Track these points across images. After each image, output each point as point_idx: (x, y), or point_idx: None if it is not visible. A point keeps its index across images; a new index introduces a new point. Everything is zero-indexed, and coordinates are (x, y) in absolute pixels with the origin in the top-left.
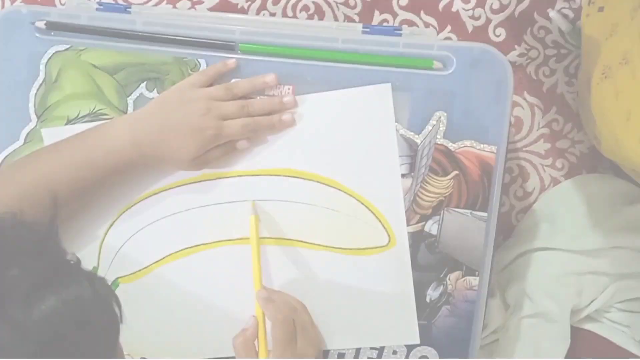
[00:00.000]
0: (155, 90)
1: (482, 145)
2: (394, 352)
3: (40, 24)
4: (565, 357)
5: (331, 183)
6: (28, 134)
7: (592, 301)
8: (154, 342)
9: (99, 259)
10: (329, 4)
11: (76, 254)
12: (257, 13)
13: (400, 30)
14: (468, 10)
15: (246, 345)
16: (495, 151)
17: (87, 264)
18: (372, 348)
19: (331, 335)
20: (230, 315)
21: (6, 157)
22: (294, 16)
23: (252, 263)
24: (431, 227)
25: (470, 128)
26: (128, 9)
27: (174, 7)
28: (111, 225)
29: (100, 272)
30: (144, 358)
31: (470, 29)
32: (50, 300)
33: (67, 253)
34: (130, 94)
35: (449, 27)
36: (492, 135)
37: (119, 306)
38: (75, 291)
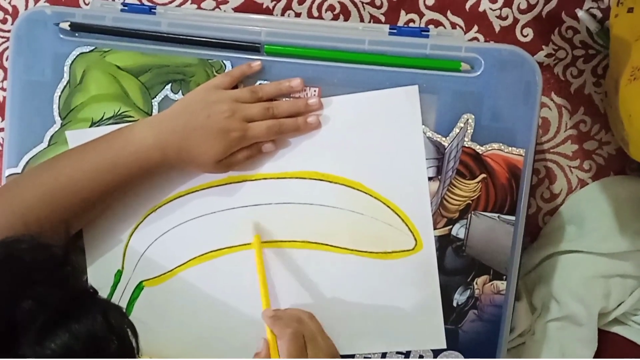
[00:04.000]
0: (180, 92)
1: (510, 148)
2: (421, 357)
3: (65, 25)
4: None
5: (357, 186)
6: (52, 136)
7: (620, 304)
8: (178, 345)
9: (123, 263)
10: (355, 4)
11: (101, 257)
12: (283, 13)
13: (428, 31)
14: (495, 10)
15: None
16: (523, 154)
17: (112, 268)
18: (398, 352)
19: (357, 339)
20: (254, 318)
21: (30, 159)
22: (320, 16)
23: (259, 283)
24: (458, 230)
25: (498, 131)
26: (153, 10)
27: (199, 7)
28: (136, 229)
29: (125, 276)
30: None
31: (497, 29)
32: (63, 338)
33: (83, 282)
34: (155, 96)
35: (475, 27)
36: (520, 138)
37: (136, 336)
38: (89, 326)
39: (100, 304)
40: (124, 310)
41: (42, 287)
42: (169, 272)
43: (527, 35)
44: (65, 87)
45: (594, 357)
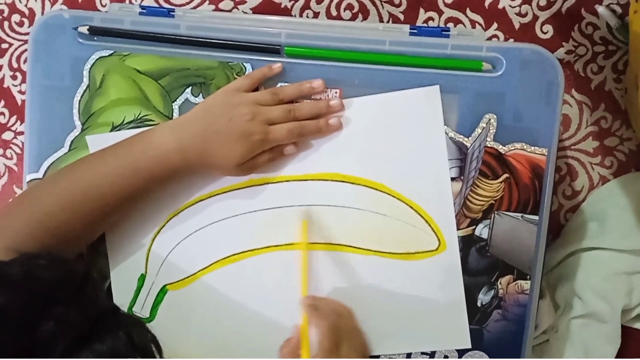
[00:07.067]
0: (200, 95)
1: (532, 148)
2: (445, 357)
3: (83, 30)
4: (616, 357)
5: (380, 187)
6: (73, 140)
7: None
8: (201, 348)
9: (146, 267)
10: (374, 3)
11: (124, 261)
12: (301, 12)
13: (448, 31)
14: (515, 7)
15: (292, 354)
16: (546, 153)
17: (135, 272)
18: (423, 353)
19: (382, 340)
20: (277, 321)
21: (51, 164)
22: (338, 15)
23: (301, 270)
24: (482, 231)
25: (520, 130)
26: (172, 13)
27: (217, 7)
28: (158, 233)
29: (148, 280)
30: None
31: (517, 26)
32: (86, 358)
33: (105, 299)
34: (176, 99)
35: (495, 25)
36: (543, 137)
37: (160, 351)
38: (112, 345)
39: (122, 322)
40: (146, 326)
41: (63, 306)
42: (192, 275)
43: (547, 32)
44: (85, 91)
45: (618, 354)
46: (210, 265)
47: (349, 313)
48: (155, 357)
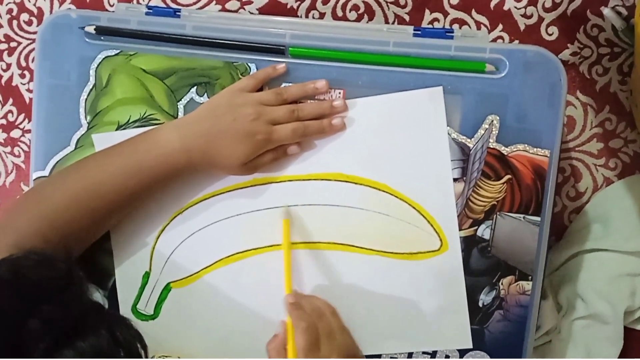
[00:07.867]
0: (205, 94)
1: (535, 149)
2: (447, 357)
3: (90, 29)
4: (618, 359)
5: (382, 187)
6: (79, 139)
7: None
8: (204, 345)
9: (150, 265)
10: (379, 4)
11: (128, 259)
12: (307, 13)
13: (452, 32)
14: (520, 8)
15: (278, 350)
16: (548, 155)
17: (140, 270)
18: (424, 353)
19: (383, 339)
20: (280, 319)
21: (57, 162)
22: (344, 16)
23: (284, 268)
24: (484, 231)
25: (523, 132)
26: (177, 13)
27: (223, 7)
28: (162, 231)
29: (152, 277)
30: None
31: (522, 27)
32: (69, 356)
33: (90, 298)
34: (181, 99)
35: (500, 26)
36: (546, 138)
37: (145, 347)
38: (94, 343)
39: (106, 320)
40: (131, 323)
41: (48, 305)
42: (195, 273)
43: (552, 33)
44: (91, 90)
45: (620, 355)
46: (213, 263)
47: (331, 312)
48: (140, 355)
